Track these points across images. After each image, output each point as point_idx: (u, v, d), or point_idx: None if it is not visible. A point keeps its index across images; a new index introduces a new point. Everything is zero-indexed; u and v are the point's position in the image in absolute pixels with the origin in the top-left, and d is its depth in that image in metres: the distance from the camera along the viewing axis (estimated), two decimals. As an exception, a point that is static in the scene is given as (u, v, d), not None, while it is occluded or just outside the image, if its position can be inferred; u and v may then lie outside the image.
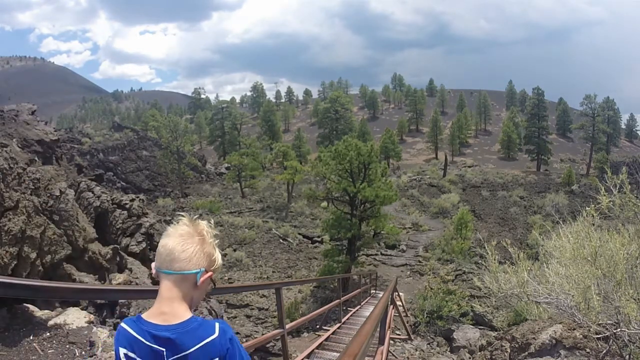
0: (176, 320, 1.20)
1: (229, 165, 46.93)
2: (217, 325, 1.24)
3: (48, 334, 3.86)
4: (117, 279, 5.83)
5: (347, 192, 18.32)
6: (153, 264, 1.31)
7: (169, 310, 1.21)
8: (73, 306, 4.51)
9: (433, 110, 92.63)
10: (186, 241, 1.25)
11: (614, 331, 4.12)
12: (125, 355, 1.20)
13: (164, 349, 1.18)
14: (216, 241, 1.35)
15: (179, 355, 1.17)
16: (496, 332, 7.59)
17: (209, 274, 1.29)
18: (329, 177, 19.16)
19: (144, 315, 1.23)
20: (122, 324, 1.24)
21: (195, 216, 1.35)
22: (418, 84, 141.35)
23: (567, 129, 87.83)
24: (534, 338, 4.57)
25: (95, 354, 3.65)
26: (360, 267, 20.12)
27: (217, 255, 1.34)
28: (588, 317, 4.52)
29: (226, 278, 19.15)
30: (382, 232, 19.47)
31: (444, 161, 60.77)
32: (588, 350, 4.23)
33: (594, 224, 5.20)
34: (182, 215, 1.34)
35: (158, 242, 1.29)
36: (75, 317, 4.18)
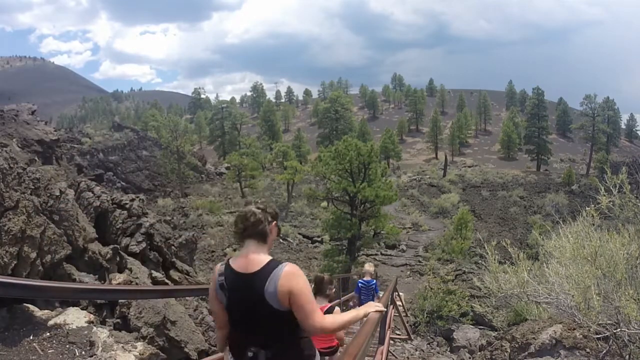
0: (368, 278, 7.52)
1: (229, 165, 46.89)
2: (375, 281, 7.68)
3: (48, 334, 3.85)
4: (117, 279, 5.82)
5: (347, 192, 18.32)
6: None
7: (368, 277, 7.51)
8: (73, 306, 4.51)
9: (433, 110, 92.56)
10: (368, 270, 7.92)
11: (614, 331, 4.12)
12: (362, 286, 7.47)
13: (368, 284, 7.44)
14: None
15: (367, 285, 7.43)
16: (496, 332, 7.59)
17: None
18: (329, 177, 19.15)
19: (364, 279, 7.52)
20: (360, 281, 7.57)
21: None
22: (418, 84, 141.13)
23: (567, 129, 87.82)
24: (534, 338, 4.57)
25: (95, 354, 3.65)
26: (360, 267, 20.10)
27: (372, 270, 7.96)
28: (588, 317, 4.52)
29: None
30: (382, 232, 19.46)
31: (444, 161, 60.80)
32: (588, 350, 4.23)
33: (594, 224, 5.20)
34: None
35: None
36: (75, 317, 4.18)
